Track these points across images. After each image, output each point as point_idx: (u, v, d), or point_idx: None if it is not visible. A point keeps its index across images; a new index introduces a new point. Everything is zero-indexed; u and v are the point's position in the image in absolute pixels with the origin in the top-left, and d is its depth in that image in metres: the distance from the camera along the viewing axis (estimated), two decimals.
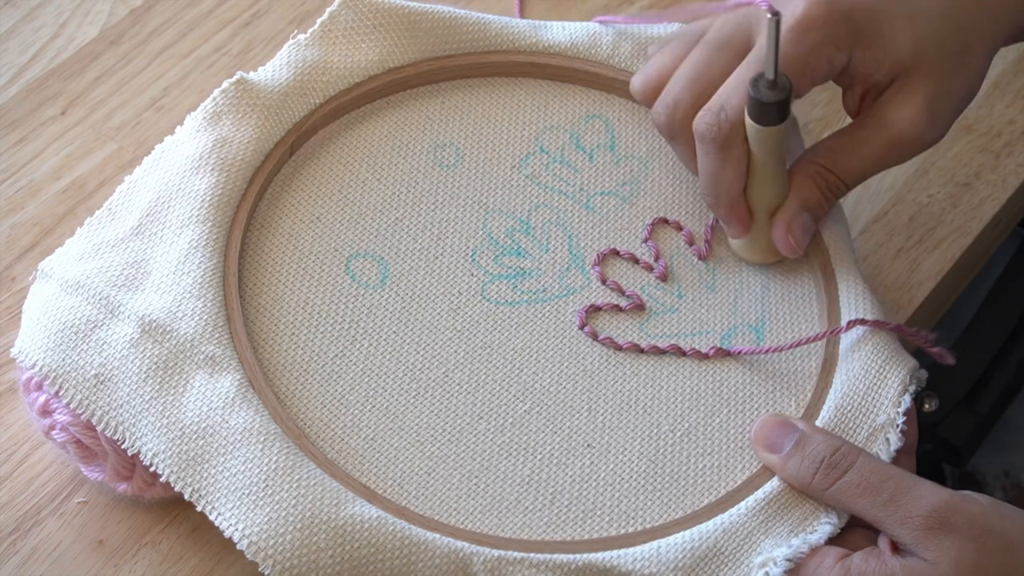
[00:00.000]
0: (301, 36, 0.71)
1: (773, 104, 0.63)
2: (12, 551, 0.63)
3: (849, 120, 0.70)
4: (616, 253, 0.70)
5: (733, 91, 0.64)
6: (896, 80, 0.66)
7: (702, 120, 0.65)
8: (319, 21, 0.71)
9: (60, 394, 0.61)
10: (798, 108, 0.69)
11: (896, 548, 0.58)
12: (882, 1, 0.65)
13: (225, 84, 0.68)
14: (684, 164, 0.70)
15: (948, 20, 0.66)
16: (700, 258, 0.70)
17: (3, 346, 0.68)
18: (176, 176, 0.66)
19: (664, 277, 0.69)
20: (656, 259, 0.69)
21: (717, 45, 0.66)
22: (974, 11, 0.66)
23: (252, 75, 0.69)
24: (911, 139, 0.66)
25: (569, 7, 0.86)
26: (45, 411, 0.62)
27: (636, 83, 0.71)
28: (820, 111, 0.84)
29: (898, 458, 0.63)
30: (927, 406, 0.90)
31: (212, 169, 0.66)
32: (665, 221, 0.71)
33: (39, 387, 0.62)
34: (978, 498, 0.58)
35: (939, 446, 0.92)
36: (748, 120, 0.64)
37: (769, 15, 0.60)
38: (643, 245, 0.70)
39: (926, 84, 0.65)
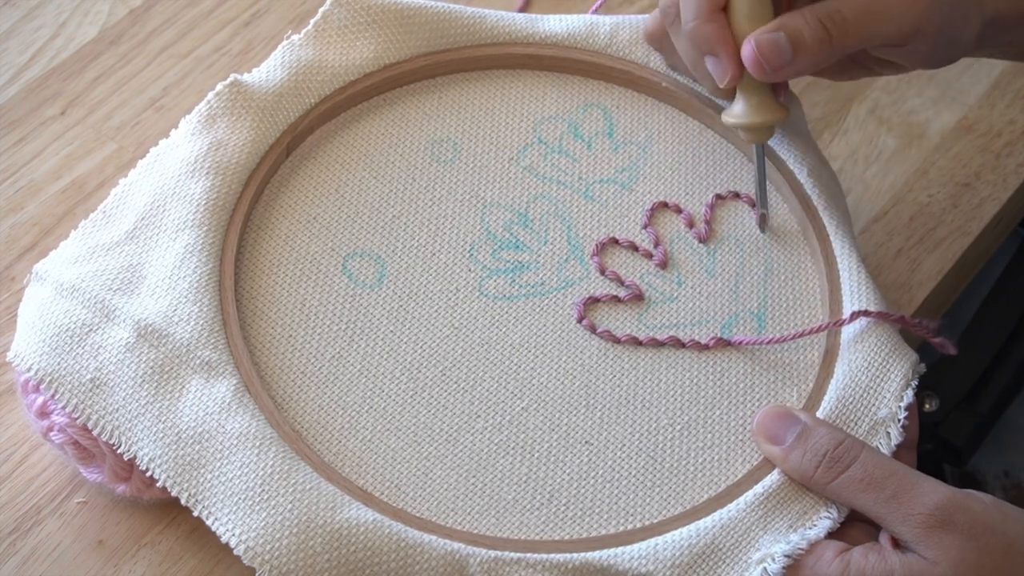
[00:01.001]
0: (295, 36, 0.71)
1: None
2: (12, 551, 0.63)
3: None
4: (615, 242, 0.69)
5: None
6: None
7: None
8: (312, 21, 0.71)
9: (56, 398, 0.61)
10: (806, 115, 0.69)
11: (897, 544, 0.58)
12: None
13: (219, 86, 0.68)
14: (684, 58, 0.69)
15: None
16: (700, 240, 0.70)
17: (2, 346, 0.68)
18: (171, 179, 0.66)
19: (664, 264, 0.69)
20: (656, 245, 0.69)
21: None
22: None
23: (246, 77, 0.69)
24: None
25: (569, 7, 0.86)
26: (43, 413, 0.62)
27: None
28: (820, 111, 0.84)
29: (899, 453, 0.63)
30: (927, 406, 0.90)
31: (207, 172, 0.65)
32: (665, 205, 0.71)
33: (37, 389, 0.62)
34: (981, 497, 0.58)
35: (939, 446, 0.92)
36: None
37: None
38: (643, 232, 0.70)
39: None
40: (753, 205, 0.71)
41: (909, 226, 0.79)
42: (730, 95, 0.69)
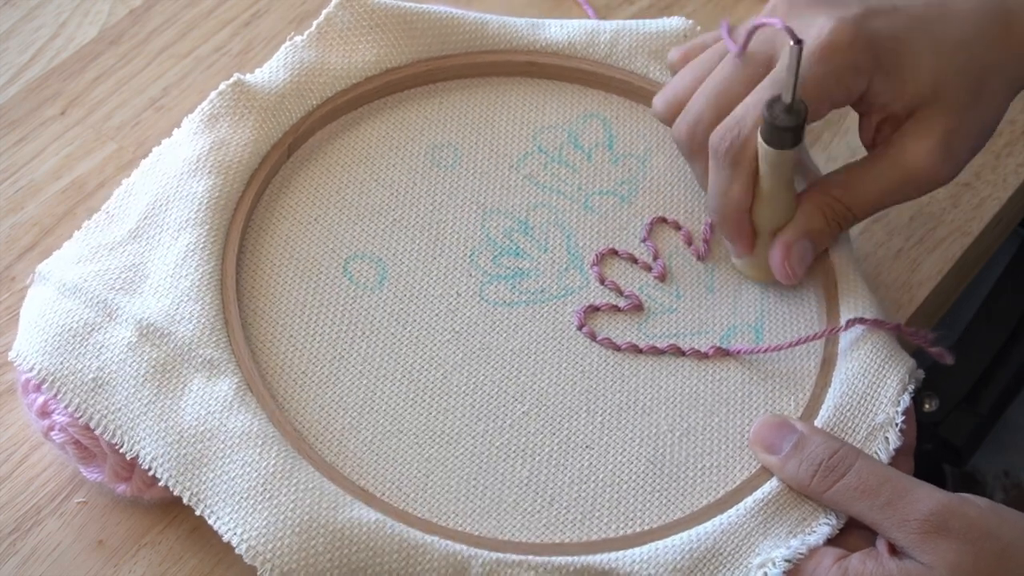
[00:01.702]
0: (298, 38, 0.71)
1: (787, 129, 0.63)
2: (12, 551, 0.63)
3: (857, 148, 0.70)
4: (614, 253, 0.69)
5: (750, 109, 0.64)
6: (915, 113, 0.65)
7: (717, 134, 0.65)
8: (315, 23, 0.71)
9: (58, 397, 0.61)
10: None
11: (894, 550, 0.58)
12: (907, 31, 0.65)
13: (222, 86, 0.68)
14: (699, 183, 0.69)
15: (971, 57, 0.65)
16: (699, 258, 0.70)
17: (2, 346, 0.68)
18: (173, 179, 0.66)
19: (663, 277, 0.69)
20: (655, 259, 0.69)
21: (740, 61, 0.66)
22: (997, 50, 0.66)
23: (249, 77, 0.69)
24: (926, 174, 0.66)
25: (568, 8, 0.86)
26: (44, 412, 0.62)
27: (658, 102, 0.70)
28: None
29: (896, 458, 0.63)
30: (927, 406, 0.90)
31: (209, 172, 0.65)
32: (664, 220, 0.71)
33: (38, 388, 0.62)
34: (976, 501, 0.58)
35: (939, 446, 0.92)
36: (760, 141, 0.64)
37: (792, 42, 0.60)
38: (641, 245, 0.70)
39: (944, 119, 0.65)
40: None
41: (909, 226, 0.79)
42: None
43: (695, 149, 0.67)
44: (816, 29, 0.64)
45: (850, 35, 0.64)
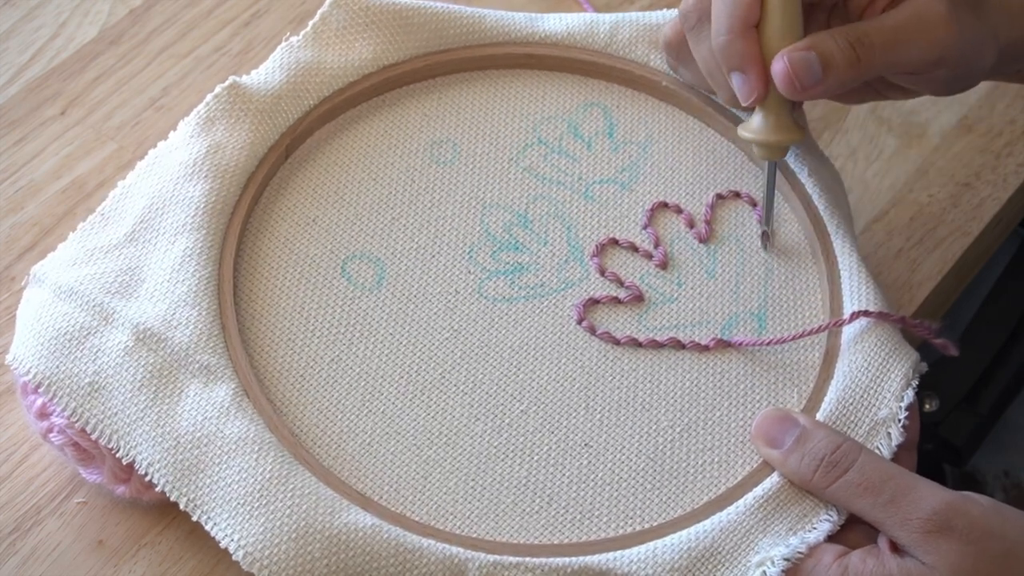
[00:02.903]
0: (294, 38, 0.71)
1: None
2: (12, 551, 0.63)
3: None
4: (615, 242, 0.69)
5: None
6: None
7: None
8: (311, 23, 0.71)
9: (55, 401, 0.61)
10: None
11: (895, 548, 0.58)
12: None
13: (218, 89, 0.68)
14: (702, 66, 0.68)
15: None
16: (700, 241, 0.70)
17: (2, 346, 0.68)
18: (170, 182, 0.66)
19: (663, 265, 0.69)
20: (656, 246, 0.69)
21: None
22: None
23: (245, 79, 0.69)
24: (936, 14, 0.63)
25: (568, 7, 0.86)
26: (43, 414, 0.62)
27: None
28: (820, 111, 0.84)
29: (899, 453, 0.63)
30: (927, 406, 0.90)
31: (206, 176, 0.65)
32: (665, 205, 0.71)
33: (36, 390, 0.62)
34: (979, 500, 0.58)
35: (939, 446, 0.92)
36: None
37: None
38: (643, 232, 0.70)
39: None
40: (754, 204, 0.71)
41: (909, 226, 0.79)
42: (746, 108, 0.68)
43: (703, 16, 0.66)
44: None
45: None
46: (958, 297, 0.82)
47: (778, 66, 0.63)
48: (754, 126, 0.67)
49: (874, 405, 0.63)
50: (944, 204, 0.80)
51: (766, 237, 0.69)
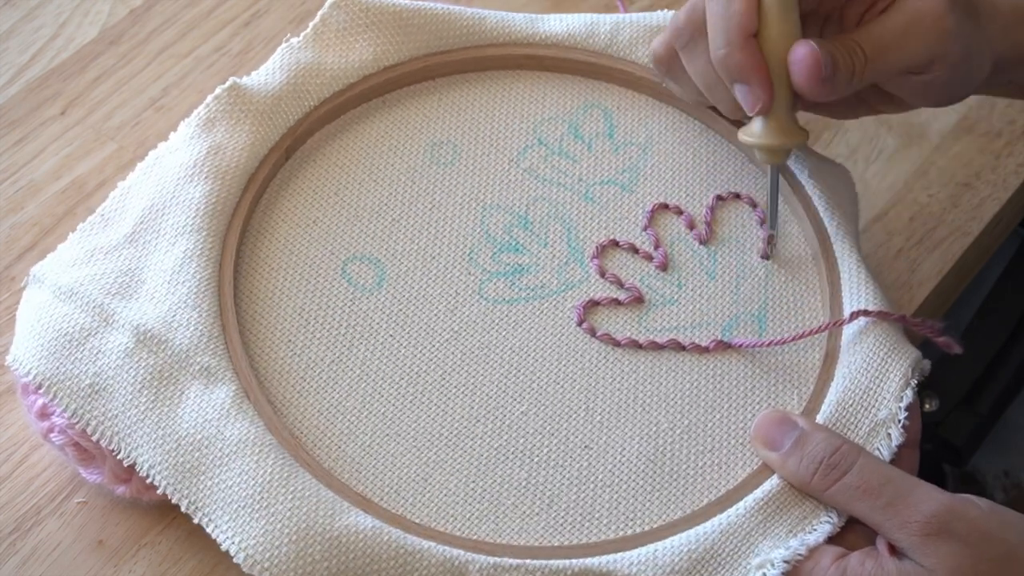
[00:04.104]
0: (294, 39, 0.71)
1: None
2: (12, 551, 0.63)
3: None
4: (615, 244, 0.69)
5: None
6: None
7: None
8: (311, 24, 0.71)
9: (55, 402, 0.61)
10: (802, 117, 0.69)
11: (894, 550, 0.58)
12: None
13: (218, 90, 0.68)
14: (699, 81, 0.68)
15: None
16: (701, 242, 0.70)
17: (2, 346, 0.68)
18: (170, 184, 0.66)
19: (664, 266, 0.69)
20: (656, 247, 0.69)
21: None
22: None
23: (245, 80, 0.69)
24: (932, 11, 0.63)
25: (569, 7, 0.86)
26: (43, 414, 0.62)
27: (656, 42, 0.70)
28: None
29: (901, 452, 0.63)
30: (927, 406, 0.90)
31: (206, 177, 0.65)
32: (665, 206, 0.71)
33: (37, 390, 0.62)
34: (978, 502, 0.58)
35: (939, 446, 0.92)
36: None
37: None
38: (643, 233, 0.70)
39: None
40: (754, 206, 0.71)
41: (909, 226, 0.79)
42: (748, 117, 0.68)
43: (695, 32, 0.65)
44: None
45: None
46: (958, 297, 0.82)
47: (799, 53, 0.63)
48: (756, 130, 0.67)
49: (874, 406, 0.63)
50: (944, 204, 0.80)
51: (771, 241, 0.69)
